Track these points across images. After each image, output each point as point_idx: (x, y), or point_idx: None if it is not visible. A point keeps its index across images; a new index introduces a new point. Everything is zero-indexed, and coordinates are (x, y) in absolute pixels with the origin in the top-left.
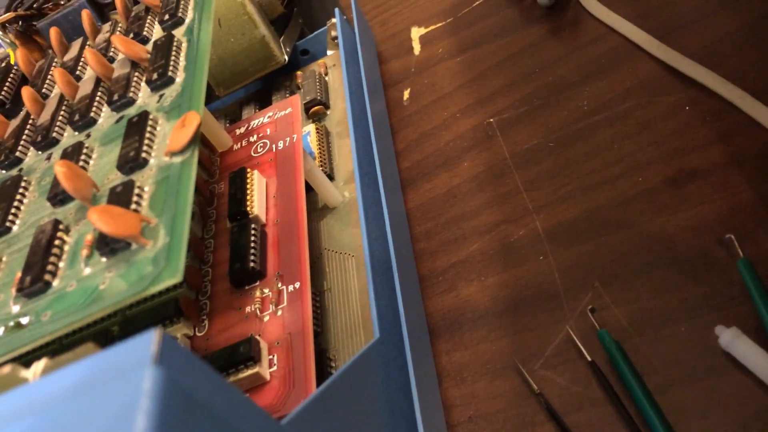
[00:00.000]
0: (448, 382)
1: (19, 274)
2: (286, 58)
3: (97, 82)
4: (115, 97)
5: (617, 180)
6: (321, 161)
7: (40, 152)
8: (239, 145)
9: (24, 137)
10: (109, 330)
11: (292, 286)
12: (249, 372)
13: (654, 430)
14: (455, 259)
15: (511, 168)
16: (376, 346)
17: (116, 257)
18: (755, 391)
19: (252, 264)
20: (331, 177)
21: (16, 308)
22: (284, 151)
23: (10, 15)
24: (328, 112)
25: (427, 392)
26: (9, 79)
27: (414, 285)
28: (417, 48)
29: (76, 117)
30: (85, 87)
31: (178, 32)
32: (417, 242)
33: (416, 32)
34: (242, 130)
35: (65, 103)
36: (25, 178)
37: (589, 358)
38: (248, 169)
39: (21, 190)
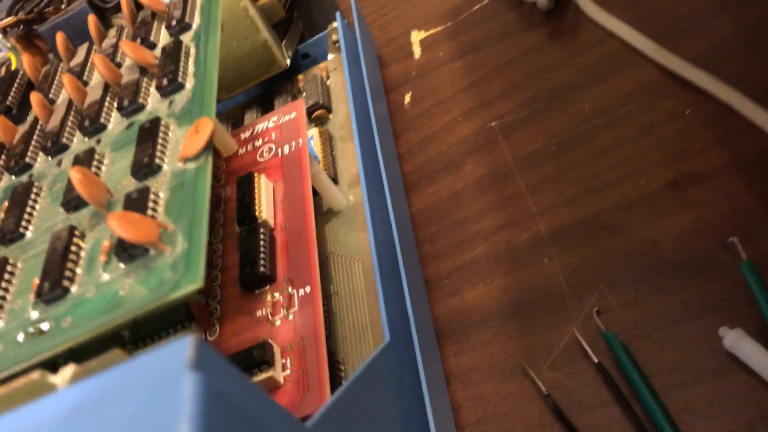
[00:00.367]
0: (456, 384)
1: (36, 281)
2: (288, 62)
3: (106, 87)
4: (125, 102)
5: (620, 183)
6: (325, 165)
7: (50, 158)
8: (244, 149)
9: (33, 143)
10: (119, 334)
11: (302, 290)
12: (263, 376)
13: (661, 430)
14: (460, 263)
15: (514, 171)
16: (388, 349)
17: (135, 263)
18: (760, 391)
19: (262, 268)
20: (335, 181)
21: (35, 314)
22: (290, 156)
23: (12, 19)
24: (331, 116)
25: (437, 394)
26: (15, 85)
27: (420, 288)
28: (417, 52)
29: (87, 123)
30: (94, 93)
31: (186, 38)
32: (421, 246)
33: (416, 36)
34: (247, 134)
35: (74, 108)
36: (36, 184)
37: (596, 360)
38: (255, 174)
39: (33, 196)
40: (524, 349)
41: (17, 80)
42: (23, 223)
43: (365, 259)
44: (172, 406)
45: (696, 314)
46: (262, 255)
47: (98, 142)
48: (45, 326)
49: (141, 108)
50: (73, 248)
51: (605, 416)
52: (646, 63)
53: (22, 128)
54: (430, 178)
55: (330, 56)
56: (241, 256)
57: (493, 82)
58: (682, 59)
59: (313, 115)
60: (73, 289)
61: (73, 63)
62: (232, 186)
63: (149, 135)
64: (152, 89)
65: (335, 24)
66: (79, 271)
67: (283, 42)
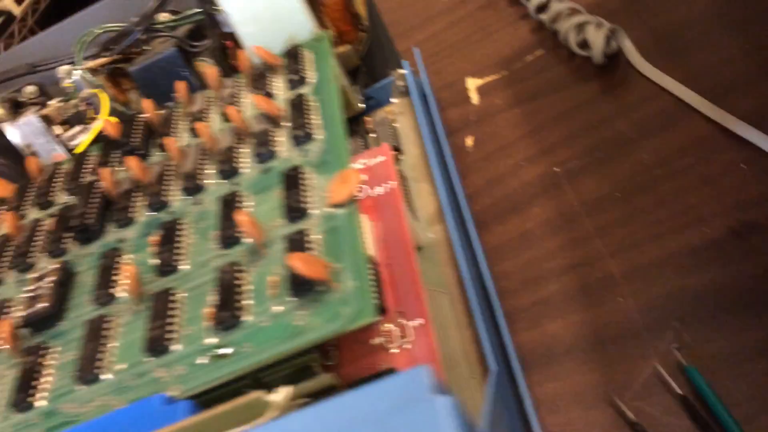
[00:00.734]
0: (544, 411)
1: (208, 310)
2: (363, 106)
3: (236, 134)
4: (261, 150)
5: (684, 230)
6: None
7: (188, 196)
8: None
9: (169, 182)
10: None
11: (414, 321)
12: None
13: None
14: (536, 298)
15: (582, 215)
16: (496, 377)
17: (306, 298)
18: None
19: (375, 301)
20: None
21: (213, 340)
22: (383, 197)
23: (108, 59)
24: (402, 158)
25: (535, 418)
26: (136, 126)
27: (502, 320)
28: (475, 98)
29: (223, 166)
30: (225, 139)
31: (305, 90)
32: (497, 281)
33: (472, 83)
34: None
35: (206, 152)
36: (179, 221)
37: (680, 392)
38: None
39: (181, 232)
40: (606, 380)
41: (136, 122)
42: (176, 258)
43: (452, 293)
44: (434, 423)
45: None
46: (373, 288)
47: (235, 184)
48: (227, 350)
49: (273, 155)
50: (241, 281)
51: None
52: (698, 118)
53: (155, 168)
54: (498, 218)
55: (393, 100)
56: None
57: (553, 130)
58: (733, 116)
59: None
60: (248, 318)
61: (194, 109)
62: None
63: (294, 181)
64: (279, 138)
65: (401, 71)
66: (249, 302)
67: (355, 87)
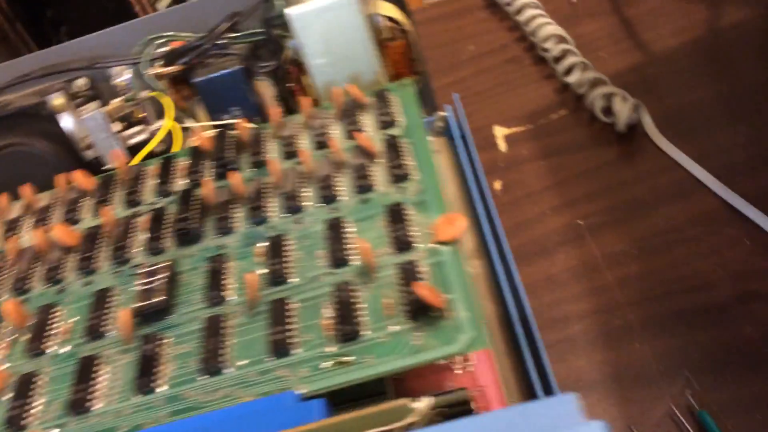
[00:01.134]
0: None
1: (327, 321)
2: None
3: (333, 163)
4: (360, 182)
5: (694, 291)
6: None
7: (289, 215)
8: None
9: (267, 199)
10: None
11: None
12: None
13: None
14: (561, 336)
15: (603, 267)
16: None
17: (421, 321)
18: None
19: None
20: None
21: (332, 349)
22: None
23: (176, 69)
24: None
25: None
26: (231, 142)
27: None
28: (503, 146)
29: (324, 192)
30: (323, 168)
31: (397, 132)
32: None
33: (499, 131)
34: None
35: (304, 175)
36: (284, 237)
37: None
38: None
39: (286, 248)
40: (625, 415)
41: (229, 139)
42: (286, 270)
43: (491, 326)
44: None
45: None
46: None
47: (336, 210)
48: (350, 359)
49: (371, 188)
50: (356, 300)
51: None
52: (708, 193)
53: (254, 184)
54: (525, 259)
55: (430, 138)
56: None
57: (576, 186)
58: (739, 196)
59: None
60: (365, 333)
61: (285, 133)
62: None
63: (398, 216)
64: (376, 173)
65: (442, 113)
66: (365, 319)
67: None
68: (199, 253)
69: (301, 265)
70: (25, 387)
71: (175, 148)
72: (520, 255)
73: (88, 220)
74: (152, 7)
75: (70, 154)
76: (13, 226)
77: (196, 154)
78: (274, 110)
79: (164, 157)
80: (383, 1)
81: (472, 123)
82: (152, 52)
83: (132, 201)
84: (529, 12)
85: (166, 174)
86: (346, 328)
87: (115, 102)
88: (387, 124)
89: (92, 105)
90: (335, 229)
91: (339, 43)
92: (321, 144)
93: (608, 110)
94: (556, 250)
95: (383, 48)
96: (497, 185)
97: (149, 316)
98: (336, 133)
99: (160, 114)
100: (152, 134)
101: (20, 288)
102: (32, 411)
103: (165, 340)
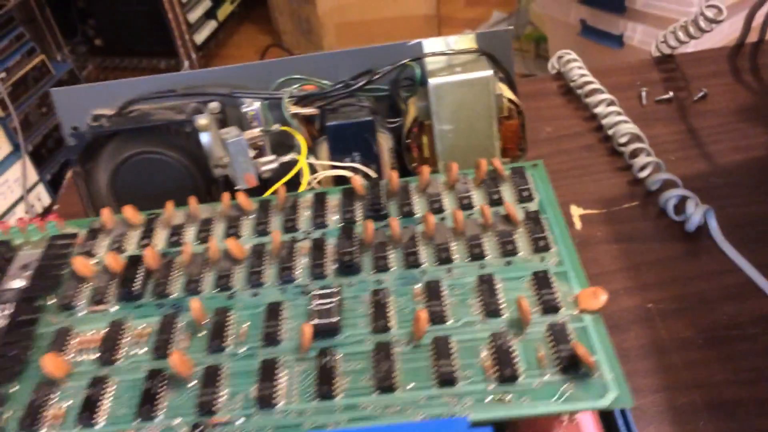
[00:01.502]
0: None
1: (488, 363)
2: None
3: (480, 227)
4: (506, 247)
5: (754, 384)
6: None
7: (440, 264)
8: None
9: (418, 246)
10: None
11: None
12: None
13: None
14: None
15: (671, 349)
16: None
17: (571, 375)
18: None
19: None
20: None
21: (492, 386)
22: None
23: (313, 111)
24: None
25: None
26: (382, 191)
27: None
28: (578, 224)
29: (473, 250)
30: (469, 228)
31: (535, 206)
32: None
33: (576, 210)
34: None
35: (454, 231)
36: (440, 283)
37: None
38: None
39: (441, 293)
40: None
41: (379, 186)
42: (444, 313)
43: None
44: None
45: None
46: None
47: (482, 267)
48: (508, 397)
49: (515, 253)
50: (512, 348)
51: None
52: (766, 298)
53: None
54: None
55: None
56: None
57: (646, 273)
58: None
59: None
60: (521, 378)
61: (431, 190)
62: None
63: (546, 282)
64: (519, 240)
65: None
66: (521, 366)
67: None
68: (358, 284)
69: (456, 310)
70: (211, 378)
71: (303, 182)
72: None
73: (246, 237)
74: (183, 14)
75: (200, 169)
76: (178, 231)
77: (348, 194)
78: (424, 170)
79: (317, 192)
80: (501, 84)
81: None
82: (292, 91)
83: (290, 227)
84: (607, 108)
85: (321, 208)
86: (507, 371)
87: (255, 132)
88: (525, 198)
89: (233, 130)
90: (488, 283)
91: (468, 114)
92: (466, 206)
93: (677, 209)
94: (629, 327)
95: (500, 124)
96: None
97: (323, 333)
98: (477, 198)
99: (275, 147)
100: (281, 165)
101: (193, 289)
102: (220, 400)
103: (336, 356)
